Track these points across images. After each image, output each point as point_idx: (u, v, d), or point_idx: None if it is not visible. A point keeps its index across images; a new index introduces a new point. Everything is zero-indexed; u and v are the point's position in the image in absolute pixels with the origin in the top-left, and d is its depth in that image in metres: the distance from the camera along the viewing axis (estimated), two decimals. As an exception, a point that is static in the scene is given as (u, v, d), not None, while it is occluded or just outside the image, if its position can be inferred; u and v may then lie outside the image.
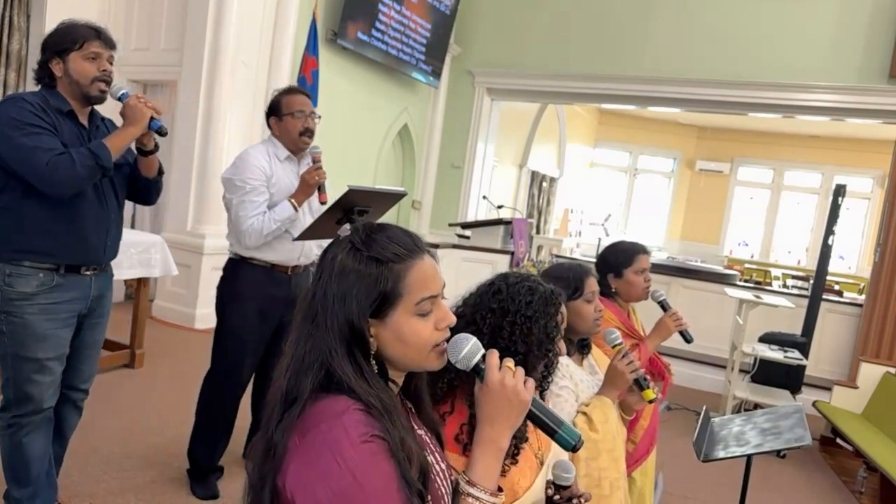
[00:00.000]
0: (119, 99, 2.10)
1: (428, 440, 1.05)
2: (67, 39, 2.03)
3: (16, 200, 2.00)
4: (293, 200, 2.58)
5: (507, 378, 0.95)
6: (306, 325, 0.94)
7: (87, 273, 2.13)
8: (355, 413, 0.88)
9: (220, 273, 2.73)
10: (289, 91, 2.69)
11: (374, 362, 0.95)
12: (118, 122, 2.16)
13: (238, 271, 2.65)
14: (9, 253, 2.01)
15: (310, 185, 2.58)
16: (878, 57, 6.18)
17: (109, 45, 2.09)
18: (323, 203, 2.66)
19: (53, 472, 2.24)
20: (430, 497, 0.94)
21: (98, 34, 2.06)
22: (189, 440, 2.75)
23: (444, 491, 0.98)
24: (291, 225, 2.61)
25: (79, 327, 2.18)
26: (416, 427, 1.04)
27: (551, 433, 0.99)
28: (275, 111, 2.66)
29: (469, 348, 0.97)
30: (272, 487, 0.89)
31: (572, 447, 0.98)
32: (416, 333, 0.95)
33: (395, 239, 0.96)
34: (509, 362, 0.97)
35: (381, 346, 0.95)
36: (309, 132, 2.64)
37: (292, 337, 0.96)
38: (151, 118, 2.06)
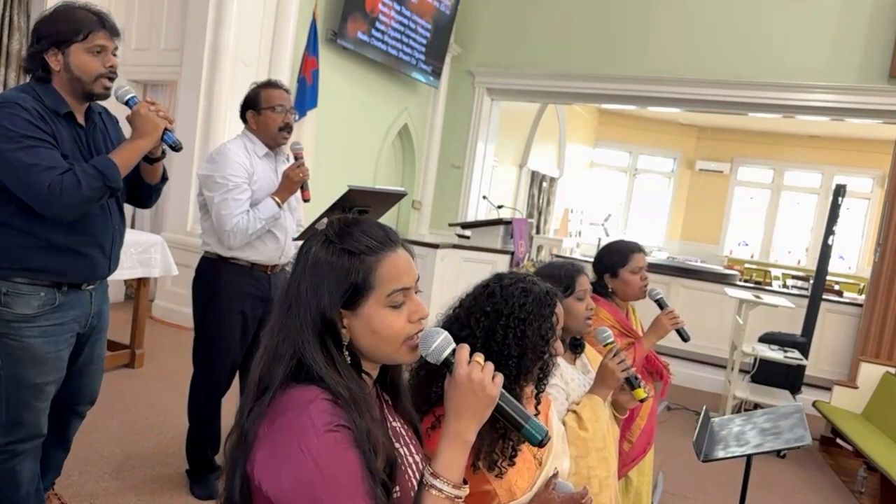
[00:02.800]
0: (126, 103, 1.90)
1: (403, 432, 1.07)
2: (69, 29, 1.78)
3: (11, 215, 1.79)
4: (276, 198, 2.53)
5: (474, 372, 0.95)
6: (281, 315, 0.97)
7: (89, 288, 1.97)
8: (322, 402, 0.90)
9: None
10: (268, 85, 2.60)
11: (346, 353, 0.97)
12: (118, 115, 2.04)
13: (216, 271, 2.57)
14: (7, 271, 1.81)
15: (293, 182, 2.52)
16: (878, 57, 6.17)
17: (114, 33, 1.85)
18: (306, 201, 2.63)
19: (41, 488, 2.11)
20: (398, 488, 0.96)
21: (103, 23, 1.83)
22: (186, 441, 2.75)
23: (414, 482, 1.00)
24: (274, 223, 2.56)
25: (80, 346, 2.02)
26: (390, 419, 1.06)
27: (518, 427, 1.00)
28: (253, 105, 2.57)
29: (439, 342, 0.98)
30: (242, 473, 0.92)
31: (539, 442, 0.99)
32: (388, 325, 0.97)
33: (368, 232, 0.99)
34: (479, 357, 0.98)
35: (353, 338, 0.98)
36: (288, 128, 2.58)
37: (268, 327, 0.99)
38: (165, 130, 1.87)
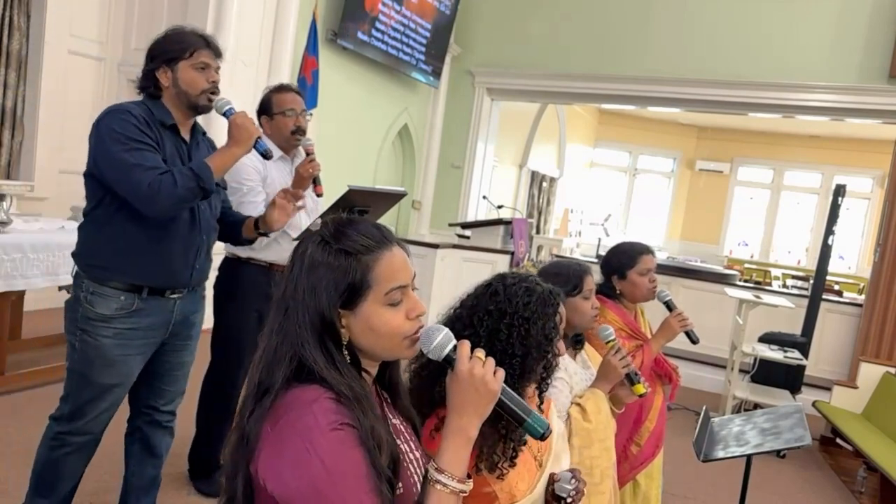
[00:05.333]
0: (224, 114, 2.00)
1: (403, 429, 1.08)
2: (177, 48, 1.95)
3: (109, 216, 1.92)
4: None
5: (476, 368, 0.96)
6: (278, 317, 0.97)
7: (173, 296, 2.02)
8: (326, 401, 0.90)
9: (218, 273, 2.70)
10: (279, 89, 2.66)
11: (346, 352, 0.98)
12: (216, 138, 2.13)
13: (236, 271, 2.63)
14: (95, 270, 1.94)
15: (304, 177, 2.52)
16: (878, 57, 6.18)
17: (218, 54, 2.02)
18: (319, 195, 2.64)
19: (74, 494, 2.13)
20: (401, 484, 0.96)
21: (207, 42, 1.99)
22: (192, 441, 2.76)
23: (416, 478, 1.01)
24: (289, 221, 2.59)
25: (161, 350, 2.08)
26: (390, 416, 1.07)
27: (520, 422, 1.01)
28: (266, 110, 2.63)
29: (440, 339, 0.99)
30: (245, 474, 0.92)
31: (540, 435, 1.00)
32: (387, 323, 0.97)
33: (364, 231, 0.99)
34: (480, 353, 0.99)
35: (352, 337, 0.98)
36: (301, 130, 2.62)
37: (265, 330, 0.99)
38: (258, 139, 1.99)
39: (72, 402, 1.99)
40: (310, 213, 2.71)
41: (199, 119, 2.14)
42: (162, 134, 1.94)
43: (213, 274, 2.77)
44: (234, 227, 2.27)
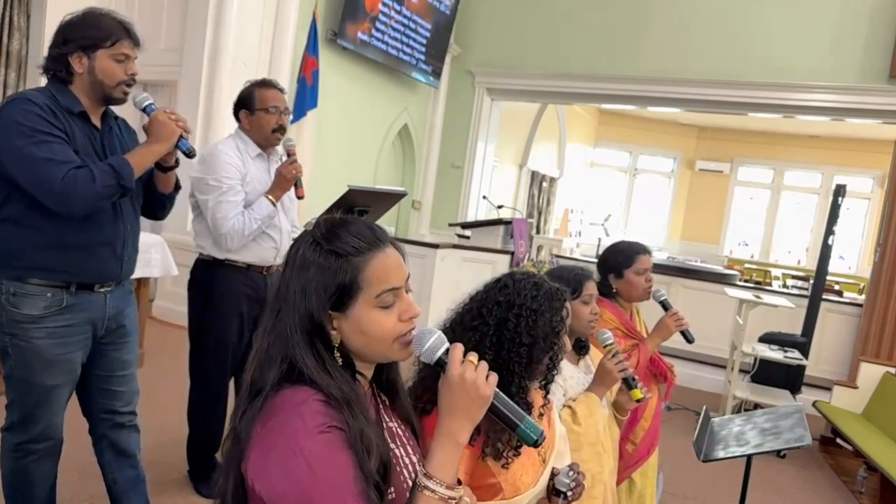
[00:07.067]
0: (144, 110, 1.93)
1: (400, 433, 1.07)
2: (97, 34, 1.83)
3: (20, 212, 1.79)
4: (270, 197, 2.50)
5: (467, 372, 0.95)
6: (272, 317, 0.97)
7: (102, 290, 1.93)
8: (314, 404, 0.90)
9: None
10: (262, 84, 2.56)
11: (338, 354, 0.97)
12: (131, 120, 2.05)
13: (213, 273, 2.55)
14: (14, 270, 1.82)
15: (287, 179, 2.48)
16: (878, 57, 6.17)
17: (137, 44, 1.91)
18: (300, 198, 2.60)
19: (55, 494, 2.08)
20: (393, 489, 0.95)
21: (129, 33, 1.88)
22: (186, 444, 2.75)
23: (410, 483, 1.00)
24: (269, 223, 2.54)
25: (102, 351, 2.01)
26: (386, 420, 1.06)
27: (513, 427, 1.00)
28: (246, 104, 2.54)
29: (432, 341, 0.98)
30: (236, 474, 0.92)
31: (533, 442, 1.00)
32: (378, 325, 0.96)
33: (356, 232, 0.98)
34: (473, 357, 0.97)
35: (344, 339, 0.97)
36: (282, 129, 2.55)
37: (260, 329, 0.98)
38: (180, 137, 1.91)
39: (19, 410, 1.92)
40: (287, 212, 2.66)
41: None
42: (71, 123, 1.81)
43: (185, 276, 2.70)
44: (149, 193, 2.08)
